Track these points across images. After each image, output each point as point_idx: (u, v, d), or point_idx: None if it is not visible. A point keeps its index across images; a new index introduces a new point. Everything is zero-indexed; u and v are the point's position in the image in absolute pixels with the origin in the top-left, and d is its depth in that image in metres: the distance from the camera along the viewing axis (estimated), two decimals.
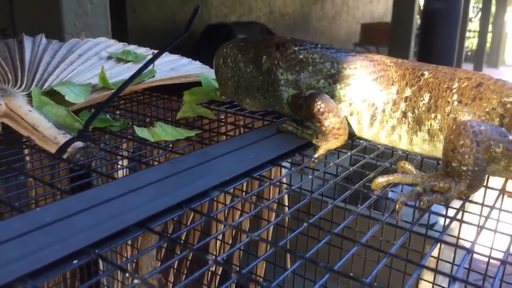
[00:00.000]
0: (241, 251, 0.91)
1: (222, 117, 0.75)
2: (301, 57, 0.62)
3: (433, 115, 0.54)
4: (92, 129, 0.63)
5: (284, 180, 0.83)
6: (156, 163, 0.61)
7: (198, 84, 0.79)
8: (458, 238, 0.64)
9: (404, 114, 0.56)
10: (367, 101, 0.58)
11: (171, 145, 0.64)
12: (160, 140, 0.62)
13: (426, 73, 0.56)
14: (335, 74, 0.60)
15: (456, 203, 0.48)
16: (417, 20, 4.02)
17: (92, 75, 0.75)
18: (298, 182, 0.54)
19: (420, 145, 0.56)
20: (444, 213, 0.49)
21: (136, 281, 0.32)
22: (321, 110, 0.56)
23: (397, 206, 0.44)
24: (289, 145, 0.58)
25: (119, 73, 0.78)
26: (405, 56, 3.58)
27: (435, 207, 0.47)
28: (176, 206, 0.43)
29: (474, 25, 8.02)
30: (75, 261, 0.35)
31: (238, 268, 0.34)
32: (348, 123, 0.59)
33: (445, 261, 0.69)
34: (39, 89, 0.67)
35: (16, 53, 0.77)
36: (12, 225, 0.37)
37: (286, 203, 0.88)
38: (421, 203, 0.45)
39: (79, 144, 0.54)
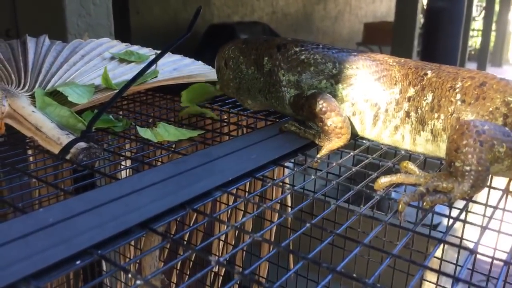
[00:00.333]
0: (244, 252, 0.91)
1: (225, 117, 0.75)
2: (302, 58, 0.62)
3: (436, 115, 0.53)
4: (95, 130, 0.63)
5: (287, 180, 0.83)
6: (159, 163, 0.61)
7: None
8: (461, 238, 0.64)
9: (407, 114, 0.56)
10: (369, 101, 0.58)
11: (173, 146, 0.64)
12: (163, 141, 0.62)
13: (429, 72, 0.55)
14: (337, 74, 0.60)
15: (460, 204, 0.48)
16: (420, 19, 4.01)
17: (95, 75, 0.75)
18: (301, 182, 0.54)
19: (423, 145, 0.55)
20: (447, 213, 0.49)
21: (139, 281, 0.32)
22: (323, 109, 0.56)
23: (400, 206, 0.44)
24: (292, 145, 0.58)
25: (122, 73, 0.78)
26: (408, 56, 3.57)
27: (439, 208, 0.46)
28: (179, 206, 0.43)
29: (477, 24, 8.00)
30: (78, 262, 0.35)
31: (240, 269, 0.34)
32: (351, 123, 0.59)
33: (449, 261, 0.69)
34: (42, 89, 0.67)
35: (19, 54, 0.77)
36: (15, 226, 0.37)
37: (289, 204, 0.88)
38: (424, 203, 0.45)
39: (82, 144, 0.55)
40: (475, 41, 8.07)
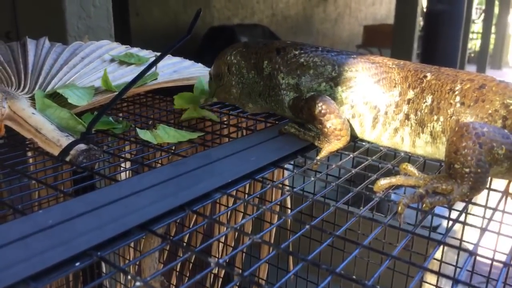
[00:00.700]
0: (244, 254, 0.91)
1: (225, 119, 0.75)
2: (301, 61, 0.62)
3: (435, 117, 0.53)
4: (95, 132, 0.63)
5: (287, 182, 0.83)
6: (158, 165, 0.61)
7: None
8: (461, 240, 0.64)
9: (407, 116, 0.56)
10: (369, 103, 0.58)
11: (173, 148, 0.64)
12: (162, 143, 0.62)
13: (428, 75, 0.56)
14: (336, 77, 0.60)
15: (459, 205, 0.48)
16: (420, 21, 4.01)
17: (95, 77, 0.75)
18: (300, 184, 0.54)
19: (423, 147, 0.55)
20: (447, 215, 0.49)
21: (138, 283, 0.32)
22: (323, 111, 0.56)
23: (400, 208, 0.44)
24: (291, 147, 0.58)
25: (122, 75, 0.78)
26: (408, 58, 3.58)
27: (438, 209, 0.46)
28: (179, 208, 0.43)
29: (477, 26, 8.01)
30: (77, 264, 0.35)
31: (240, 271, 0.34)
32: (350, 126, 0.59)
33: (448, 263, 0.69)
34: (42, 91, 0.67)
35: (19, 56, 0.77)
36: (15, 227, 0.37)
37: (289, 205, 0.88)
38: (424, 205, 0.45)
39: (82, 146, 0.55)
40: (474, 44, 8.08)
